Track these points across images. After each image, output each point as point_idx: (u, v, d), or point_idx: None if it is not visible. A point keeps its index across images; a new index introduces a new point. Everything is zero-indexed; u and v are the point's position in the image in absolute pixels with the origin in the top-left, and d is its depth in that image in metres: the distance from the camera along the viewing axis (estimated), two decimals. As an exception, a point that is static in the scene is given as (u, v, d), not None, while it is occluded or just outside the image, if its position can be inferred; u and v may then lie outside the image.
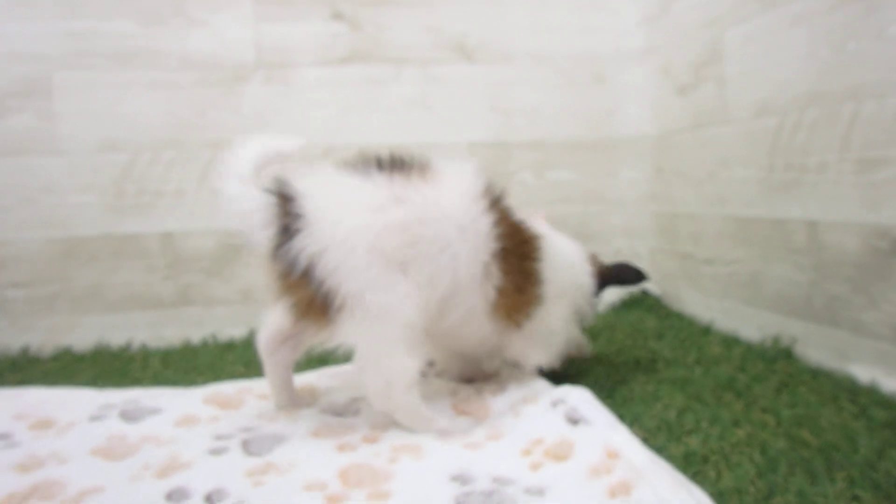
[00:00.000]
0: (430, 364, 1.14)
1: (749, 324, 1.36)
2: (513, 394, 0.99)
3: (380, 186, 0.86)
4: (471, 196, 0.91)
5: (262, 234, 0.85)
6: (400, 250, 0.84)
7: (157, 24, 1.57)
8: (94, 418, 0.97)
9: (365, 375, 0.87)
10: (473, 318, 0.93)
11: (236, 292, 1.62)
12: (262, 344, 0.99)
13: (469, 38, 1.70)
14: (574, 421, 0.80)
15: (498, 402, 0.98)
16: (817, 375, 1.11)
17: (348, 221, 0.83)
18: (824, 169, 1.08)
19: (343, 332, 0.84)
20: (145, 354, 1.47)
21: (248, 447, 0.85)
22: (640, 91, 1.75)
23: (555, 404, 0.86)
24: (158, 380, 1.27)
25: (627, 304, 1.77)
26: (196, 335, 1.59)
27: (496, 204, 0.95)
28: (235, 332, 1.60)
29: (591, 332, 1.51)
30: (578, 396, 0.86)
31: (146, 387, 1.18)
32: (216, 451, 0.84)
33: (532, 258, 0.98)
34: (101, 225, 1.58)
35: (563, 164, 1.77)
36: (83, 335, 1.55)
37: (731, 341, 1.35)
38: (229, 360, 1.40)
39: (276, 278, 0.87)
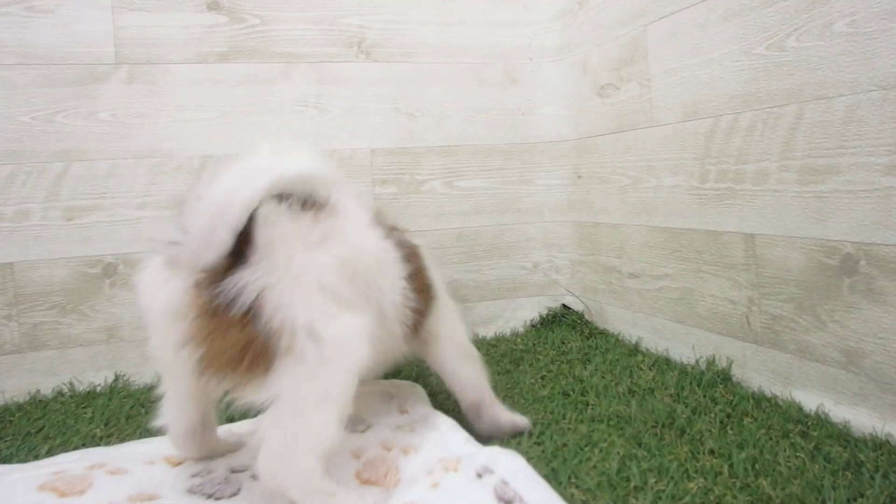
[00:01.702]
0: None
1: (681, 343, 1.27)
2: (428, 453, 0.84)
3: (312, 222, 0.79)
4: (370, 224, 0.89)
5: (205, 256, 0.70)
6: (342, 288, 0.78)
7: (-14, 11, 1.32)
8: None
9: (267, 434, 0.72)
10: (394, 346, 0.93)
11: (98, 331, 1.39)
12: (184, 440, 0.85)
13: (367, 33, 1.54)
14: (506, 501, 0.66)
15: (410, 464, 0.83)
16: (760, 403, 1.03)
17: (300, 256, 0.75)
18: (763, 177, 1.00)
19: (276, 382, 0.71)
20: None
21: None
22: (556, 91, 1.65)
23: (481, 475, 0.72)
24: None
25: (547, 321, 1.67)
26: (47, 385, 1.34)
27: (388, 226, 0.94)
28: (97, 377, 1.37)
29: (512, 355, 1.39)
30: (509, 465, 0.72)
31: None
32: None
33: (423, 267, 0.98)
34: (-82, 256, 1.30)
35: (475, 172, 1.64)
36: None
37: (662, 363, 1.26)
38: (86, 416, 1.17)
39: (199, 315, 0.70)
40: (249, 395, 0.72)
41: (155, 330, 0.75)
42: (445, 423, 0.92)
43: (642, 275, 1.39)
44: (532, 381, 1.25)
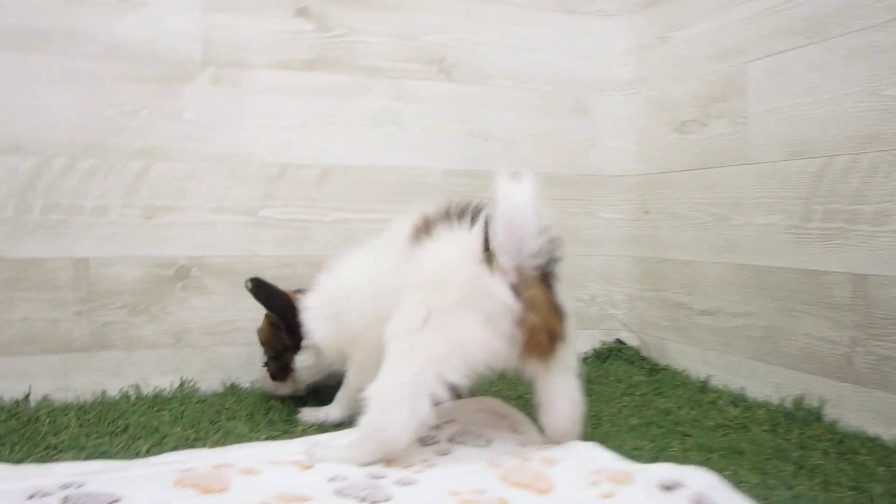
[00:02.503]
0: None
1: (760, 382, 1.28)
2: (576, 465, 0.84)
3: None
4: None
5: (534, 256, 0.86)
6: None
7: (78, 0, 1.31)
8: None
9: (556, 399, 0.93)
10: None
11: (166, 334, 1.36)
12: (413, 434, 0.87)
13: (448, 51, 1.56)
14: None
15: (559, 473, 0.83)
16: (865, 442, 1.04)
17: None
18: (884, 218, 1.02)
19: (557, 359, 0.90)
20: (51, 410, 1.17)
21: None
22: (625, 125, 1.68)
23: (669, 487, 0.72)
24: (81, 446, 1.00)
25: (602, 355, 1.67)
26: (113, 386, 1.31)
27: None
28: (163, 382, 1.34)
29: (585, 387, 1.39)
30: (704, 479, 0.72)
31: (75, 458, 0.92)
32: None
33: None
34: (-7, 245, 1.27)
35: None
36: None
37: (739, 400, 1.27)
38: (165, 419, 1.14)
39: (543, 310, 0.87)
40: (539, 370, 0.90)
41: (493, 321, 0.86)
42: (579, 442, 0.92)
43: (718, 312, 1.40)
44: (614, 411, 1.24)
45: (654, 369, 1.54)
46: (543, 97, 1.64)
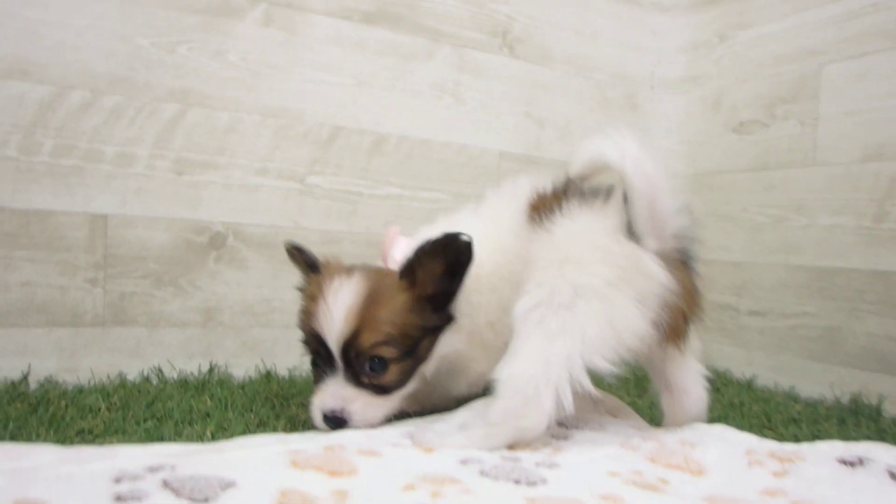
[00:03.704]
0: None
1: (812, 380, 1.28)
2: (724, 448, 0.79)
3: None
4: None
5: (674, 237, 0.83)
6: None
7: None
8: (130, 497, 0.53)
9: (689, 384, 0.89)
10: None
11: (195, 311, 1.15)
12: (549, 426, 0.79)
13: (513, 24, 1.44)
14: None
15: (707, 455, 0.77)
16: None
17: None
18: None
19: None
20: (62, 393, 0.95)
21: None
22: (674, 125, 1.63)
23: (852, 463, 0.70)
24: (123, 430, 0.82)
25: (632, 354, 1.61)
26: (132, 368, 1.09)
27: None
28: (190, 365, 1.13)
29: (627, 384, 1.31)
30: (893, 454, 0.69)
31: (123, 443, 0.75)
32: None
33: None
34: (-11, 190, 1.02)
35: (584, 191, 1.57)
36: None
37: (792, 397, 1.25)
38: (210, 403, 0.96)
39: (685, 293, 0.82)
40: (674, 355, 0.86)
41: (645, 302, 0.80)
42: (704, 425, 0.88)
43: (769, 313, 1.38)
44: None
45: (695, 372, 1.50)
46: (599, 88, 1.56)
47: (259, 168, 1.20)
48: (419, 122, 1.34)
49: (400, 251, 0.89)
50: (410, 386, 0.88)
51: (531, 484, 0.66)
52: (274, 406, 0.97)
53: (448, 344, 0.88)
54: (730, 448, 0.80)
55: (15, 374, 1.00)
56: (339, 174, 1.26)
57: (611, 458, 0.76)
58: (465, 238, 0.83)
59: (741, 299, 1.45)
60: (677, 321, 0.82)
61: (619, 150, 0.81)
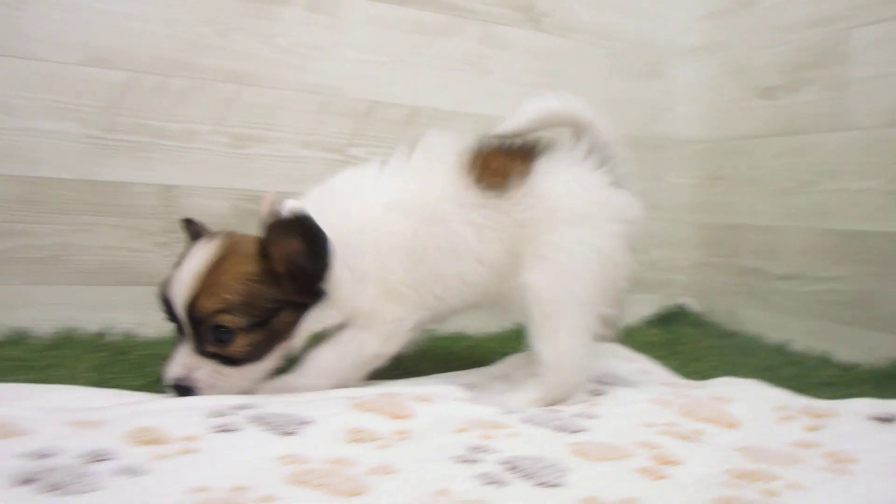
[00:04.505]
0: None
1: (846, 345, 1.32)
2: (746, 400, 0.86)
3: None
4: None
5: None
6: None
7: None
8: (223, 429, 0.67)
9: None
10: None
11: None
12: None
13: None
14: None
15: (736, 408, 0.83)
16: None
17: None
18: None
19: None
20: (141, 343, 1.12)
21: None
22: (696, 90, 1.69)
23: (886, 420, 0.74)
24: None
25: (665, 320, 1.68)
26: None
27: None
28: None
29: (660, 347, 1.37)
30: None
31: None
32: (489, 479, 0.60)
33: None
34: (77, 165, 1.19)
35: (614, 159, 1.65)
36: (39, 312, 1.15)
37: (826, 361, 1.30)
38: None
39: None
40: None
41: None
42: (737, 379, 0.95)
43: (799, 277, 1.43)
44: (707, 367, 1.25)
45: (723, 334, 1.56)
46: (620, 57, 1.63)
47: (304, 141, 1.34)
48: (448, 95, 1.46)
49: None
50: (270, 361, 0.85)
51: (573, 431, 0.74)
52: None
53: (319, 319, 0.86)
54: (763, 403, 0.85)
55: (98, 327, 1.18)
56: (376, 145, 1.39)
57: (645, 411, 0.82)
58: (312, 222, 0.81)
59: (771, 263, 1.50)
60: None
61: (578, 104, 0.93)
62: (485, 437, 0.71)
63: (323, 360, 0.88)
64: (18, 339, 1.12)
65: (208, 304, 0.79)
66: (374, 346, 0.89)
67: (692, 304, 1.70)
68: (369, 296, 0.88)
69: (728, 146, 1.62)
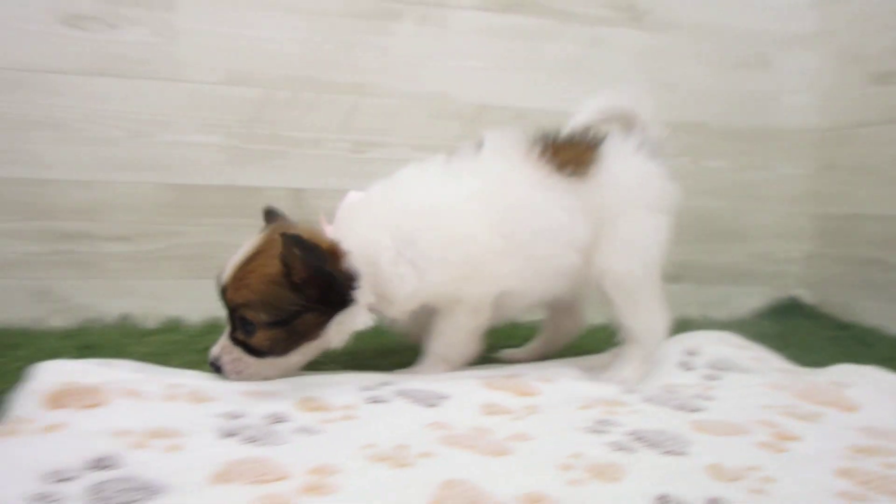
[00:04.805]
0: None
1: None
2: (866, 385, 0.88)
3: None
4: None
5: None
6: None
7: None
8: (375, 400, 0.77)
9: None
10: None
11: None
12: None
13: None
14: None
15: (855, 393, 0.86)
16: None
17: None
18: None
19: None
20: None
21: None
22: (809, 78, 1.67)
23: None
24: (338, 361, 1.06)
25: (776, 312, 1.68)
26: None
27: None
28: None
29: (778, 339, 1.37)
30: None
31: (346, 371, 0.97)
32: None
33: None
34: (221, 172, 1.34)
35: (719, 153, 1.66)
36: (189, 303, 1.31)
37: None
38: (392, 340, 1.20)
39: None
40: None
41: None
42: (855, 366, 0.98)
43: (922, 266, 1.41)
44: (827, 357, 1.25)
45: (839, 325, 1.54)
46: (728, 49, 1.64)
47: (417, 144, 1.44)
48: (554, 97, 1.52)
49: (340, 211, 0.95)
50: (297, 357, 0.88)
51: (691, 410, 0.79)
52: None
53: (349, 323, 0.87)
54: (883, 388, 0.88)
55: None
56: (487, 147, 1.47)
57: (762, 394, 0.86)
58: (301, 244, 0.81)
59: (890, 253, 1.48)
60: None
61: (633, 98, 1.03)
62: (608, 413, 0.77)
63: (436, 347, 0.96)
64: (174, 327, 1.28)
65: (235, 297, 0.85)
66: (470, 321, 0.94)
67: (805, 295, 1.69)
68: (443, 282, 0.90)
69: (842, 135, 1.61)
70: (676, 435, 0.70)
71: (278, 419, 0.69)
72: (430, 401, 0.78)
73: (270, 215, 0.98)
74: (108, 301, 1.31)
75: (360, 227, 0.89)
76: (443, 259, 0.88)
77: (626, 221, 0.96)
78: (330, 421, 0.70)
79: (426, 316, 0.96)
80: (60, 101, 1.27)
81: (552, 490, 0.55)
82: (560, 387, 0.86)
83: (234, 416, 0.69)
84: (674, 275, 1.62)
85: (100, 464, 0.57)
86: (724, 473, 0.61)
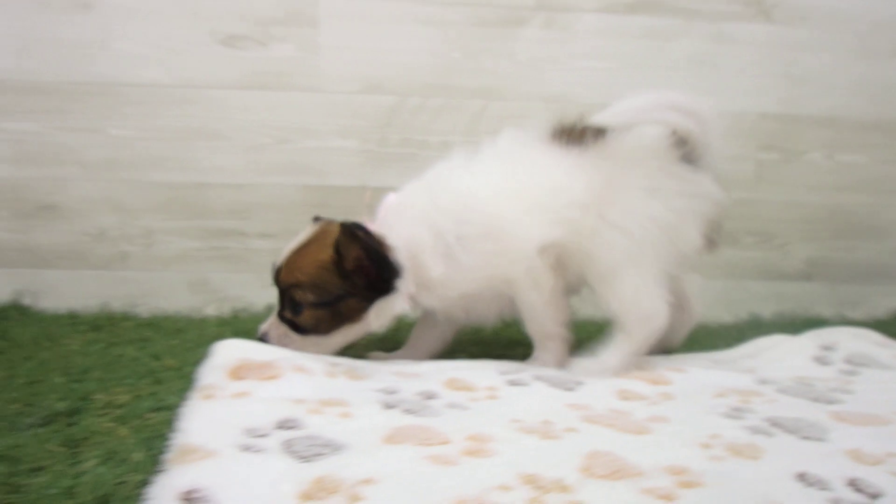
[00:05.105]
0: None
1: None
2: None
3: None
4: None
5: None
6: None
7: (430, -47, 1.45)
8: (515, 383, 0.83)
9: None
10: None
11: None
12: None
13: (770, -9, 1.55)
14: None
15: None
16: None
17: None
18: None
19: None
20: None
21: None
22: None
23: None
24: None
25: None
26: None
27: None
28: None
29: None
30: None
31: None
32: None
33: None
34: (356, 174, 1.45)
35: (856, 147, 1.61)
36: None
37: None
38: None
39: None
40: None
41: None
42: None
43: None
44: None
45: None
46: (861, 39, 1.59)
47: (543, 146, 1.49)
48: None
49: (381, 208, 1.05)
50: (338, 337, 0.97)
51: (829, 402, 0.80)
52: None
53: (388, 310, 0.97)
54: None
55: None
56: (609, 146, 1.51)
57: None
58: (368, 237, 0.94)
59: None
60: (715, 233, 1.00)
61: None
62: (743, 401, 0.80)
63: (531, 331, 1.01)
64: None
65: (286, 278, 0.96)
66: (536, 296, 0.97)
67: (952, 296, 1.61)
68: (478, 266, 0.96)
69: None
70: (814, 422, 0.72)
71: (429, 396, 0.77)
72: (566, 385, 0.83)
73: (318, 220, 1.08)
74: (257, 292, 1.45)
75: (400, 225, 0.99)
76: (475, 246, 0.96)
77: (619, 200, 0.97)
78: (476, 399, 0.77)
79: (466, 309, 1.02)
80: (217, 114, 1.43)
81: (694, 464, 0.59)
82: (692, 376, 0.90)
83: (390, 392, 0.77)
84: (804, 272, 1.60)
85: (285, 424, 0.66)
86: (863, 458, 0.63)
